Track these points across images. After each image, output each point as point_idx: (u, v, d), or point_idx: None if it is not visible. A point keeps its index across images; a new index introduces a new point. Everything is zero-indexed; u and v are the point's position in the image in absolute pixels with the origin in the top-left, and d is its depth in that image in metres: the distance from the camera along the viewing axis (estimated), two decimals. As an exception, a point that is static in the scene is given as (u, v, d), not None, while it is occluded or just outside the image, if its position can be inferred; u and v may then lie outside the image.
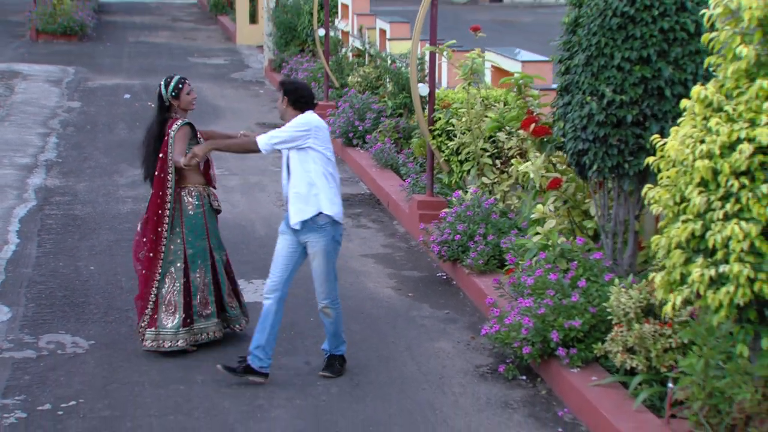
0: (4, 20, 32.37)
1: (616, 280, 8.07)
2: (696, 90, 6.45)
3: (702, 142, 6.34)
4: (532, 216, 9.22)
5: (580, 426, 7.62)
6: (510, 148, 10.55)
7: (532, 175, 9.52)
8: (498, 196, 10.79)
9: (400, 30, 17.22)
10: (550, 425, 7.65)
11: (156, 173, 8.69)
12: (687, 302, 7.53)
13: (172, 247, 8.67)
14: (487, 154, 11.13)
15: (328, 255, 8.21)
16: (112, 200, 13.40)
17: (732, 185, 6.22)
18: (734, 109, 6.29)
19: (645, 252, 8.69)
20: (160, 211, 8.66)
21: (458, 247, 10.31)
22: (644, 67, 7.87)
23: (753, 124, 6.20)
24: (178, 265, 8.68)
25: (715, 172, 6.29)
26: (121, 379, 8.30)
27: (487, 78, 12.39)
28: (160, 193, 8.65)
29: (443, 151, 11.68)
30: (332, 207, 8.15)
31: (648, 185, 6.83)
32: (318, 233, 8.15)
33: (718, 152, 6.25)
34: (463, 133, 11.24)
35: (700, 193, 6.34)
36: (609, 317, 7.86)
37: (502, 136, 10.85)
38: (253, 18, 28.72)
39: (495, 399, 8.03)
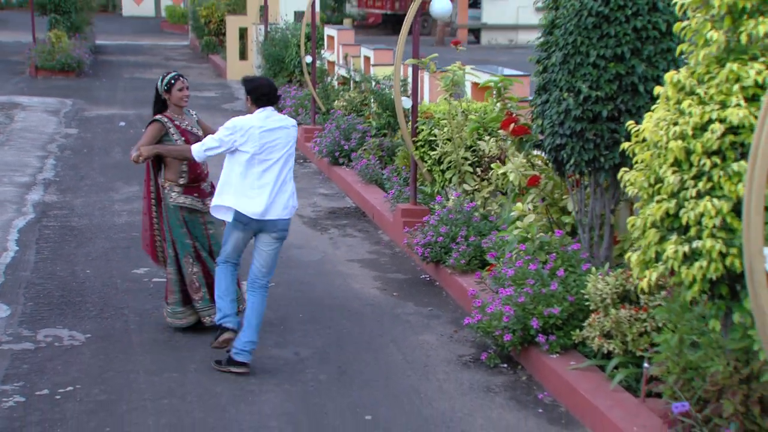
0: (4, 60, 32.34)
1: (593, 269, 8.05)
2: (669, 75, 6.46)
3: (675, 124, 6.34)
4: (512, 214, 9.19)
5: (560, 407, 7.57)
6: (490, 151, 10.53)
7: (511, 177, 9.49)
8: (478, 203, 10.76)
9: (383, 56, 17.27)
10: (531, 407, 7.59)
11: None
12: (661, 287, 7.57)
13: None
14: (468, 162, 11.11)
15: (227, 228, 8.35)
16: (108, 213, 13.31)
17: (704, 164, 6.21)
18: (705, 93, 6.30)
19: (620, 246, 8.67)
20: (147, 201, 8.97)
21: (441, 248, 10.27)
22: (618, 65, 7.87)
23: (724, 105, 6.20)
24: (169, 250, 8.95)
25: (688, 152, 6.28)
26: (116, 368, 8.21)
27: (468, 92, 12.39)
28: (146, 181, 8.95)
29: (426, 161, 11.65)
30: (248, 206, 8.06)
31: (624, 168, 6.83)
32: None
33: (690, 133, 6.25)
34: (445, 143, 11.21)
35: (673, 172, 6.33)
36: (587, 303, 7.84)
37: (482, 144, 10.83)
38: (243, 55, 28.76)
39: (477, 384, 7.97)
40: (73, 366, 8.22)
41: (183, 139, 8.65)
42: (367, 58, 17.92)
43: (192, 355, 8.46)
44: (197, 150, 8.17)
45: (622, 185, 6.83)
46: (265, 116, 8.14)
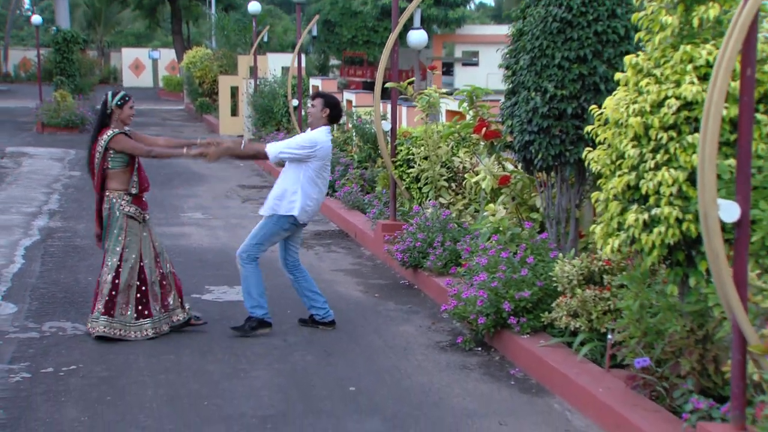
0: (13, 120, 32.44)
1: (561, 256, 8.08)
2: (628, 58, 6.57)
3: (635, 102, 6.44)
4: (485, 213, 9.23)
5: (531, 380, 7.56)
6: (462, 163, 10.59)
7: (483, 185, 9.56)
8: (453, 214, 10.80)
9: (364, 99, 17.46)
10: (504, 380, 7.57)
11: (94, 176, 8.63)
12: (622, 269, 7.60)
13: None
14: (444, 177, 11.17)
15: (264, 226, 8.59)
16: (109, 235, 13.27)
17: (661, 138, 6.30)
18: (662, 74, 6.41)
19: (585, 239, 8.71)
20: (99, 210, 8.66)
21: (419, 253, 10.29)
22: (581, 66, 7.99)
23: (678, 84, 6.30)
24: (115, 260, 8.51)
25: (647, 127, 6.37)
26: (116, 351, 8.16)
27: (443, 118, 12.50)
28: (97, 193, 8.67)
29: (404, 180, 11.71)
30: (302, 214, 8.54)
31: (588, 148, 6.90)
32: (277, 219, 8.58)
33: (648, 109, 6.35)
34: (422, 161, 11.28)
35: (633, 146, 6.42)
36: (555, 285, 7.86)
37: (456, 160, 10.90)
38: (234, 112, 28.88)
39: (454, 363, 7.96)
40: (75, 350, 8.17)
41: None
42: (349, 102, 18.07)
43: (187, 343, 8.42)
44: (273, 150, 8.36)
45: (586, 163, 6.89)
46: (326, 132, 8.54)
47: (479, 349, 8.32)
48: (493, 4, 61.98)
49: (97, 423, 6.60)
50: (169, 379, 7.50)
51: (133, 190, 8.48)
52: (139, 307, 8.50)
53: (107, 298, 8.42)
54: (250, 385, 7.40)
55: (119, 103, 8.43)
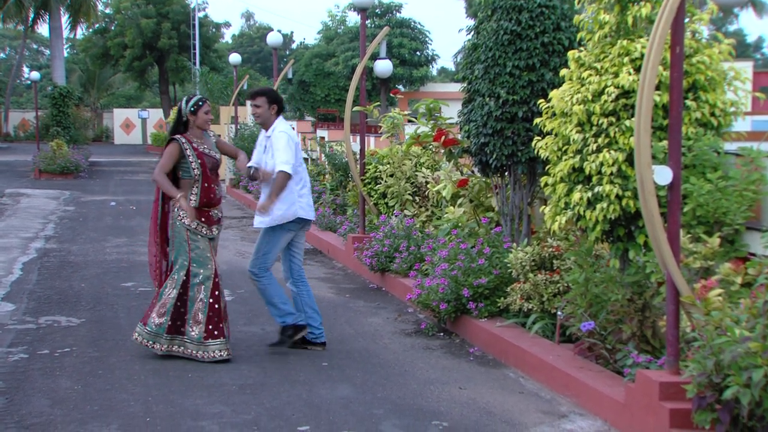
0: (12, 170, 32.26)
1: (514, 245, 8.17)
2: (572, 53, 6.72)
3: (578, 92, 6.58)
4: (446, 215, 9.31)
5: (488, 356, 7.61)
6: (426, 180, 10.70)
7: (444, 193, 9.66)
8: (417, 225, 10.88)
9: (335, 135, 17.55)
10: (464, 357, 7.62)
11: None
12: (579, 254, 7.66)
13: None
14: (408, 192, 11.26)
15: (264, 235, 7.73)
16: (100, 253, 13.26)
17: (602, 123, 6.44)
18: (601, 66, 6.56)
19: (536, 235, 8.80)
20: (153, 222, 7.71)
21: (386, 257, 10.34)
22: (530, 73, 8.13)
23: (616, 75, 6.46)
24: (182, 274, 7.45)
25: (589, 114, 6.51)
26: (107, 337, 8.15)
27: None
28: (155, 202, 7.72)
29: (372, 197, 11.79)
30: (298, 210, 7.69)
31: (537, 137, 7.02)
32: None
33: (590, 98, 6.49)
34: (389, 177, 11.37)
35: (578, 132, 6.55)
36: (509, 272, 7.93)
37: (419, 176, 11.00)
38: (218, 156, 28.92)
39: (418, 345, 8.00)
40: (69, 337, 8.14)
41: (199, 161, 7.33)
42: (322, 137, 18.20)
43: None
44: (287, 170, 7.38)
45: (535, 152, 7.01)
46: (284, 120, 7.69)
47: (441, 334, 8.37)
48: (453, 68, 62.77)
49: (89, 390, 6.59)
50: (156, 358, 7.48)
51: (192, 203, 7.38)
52: (209, 326, 7.37)
53: (172, 316, 7.40)
54: (231, 361, 7.41)
55: (192, 109, 7.40)
